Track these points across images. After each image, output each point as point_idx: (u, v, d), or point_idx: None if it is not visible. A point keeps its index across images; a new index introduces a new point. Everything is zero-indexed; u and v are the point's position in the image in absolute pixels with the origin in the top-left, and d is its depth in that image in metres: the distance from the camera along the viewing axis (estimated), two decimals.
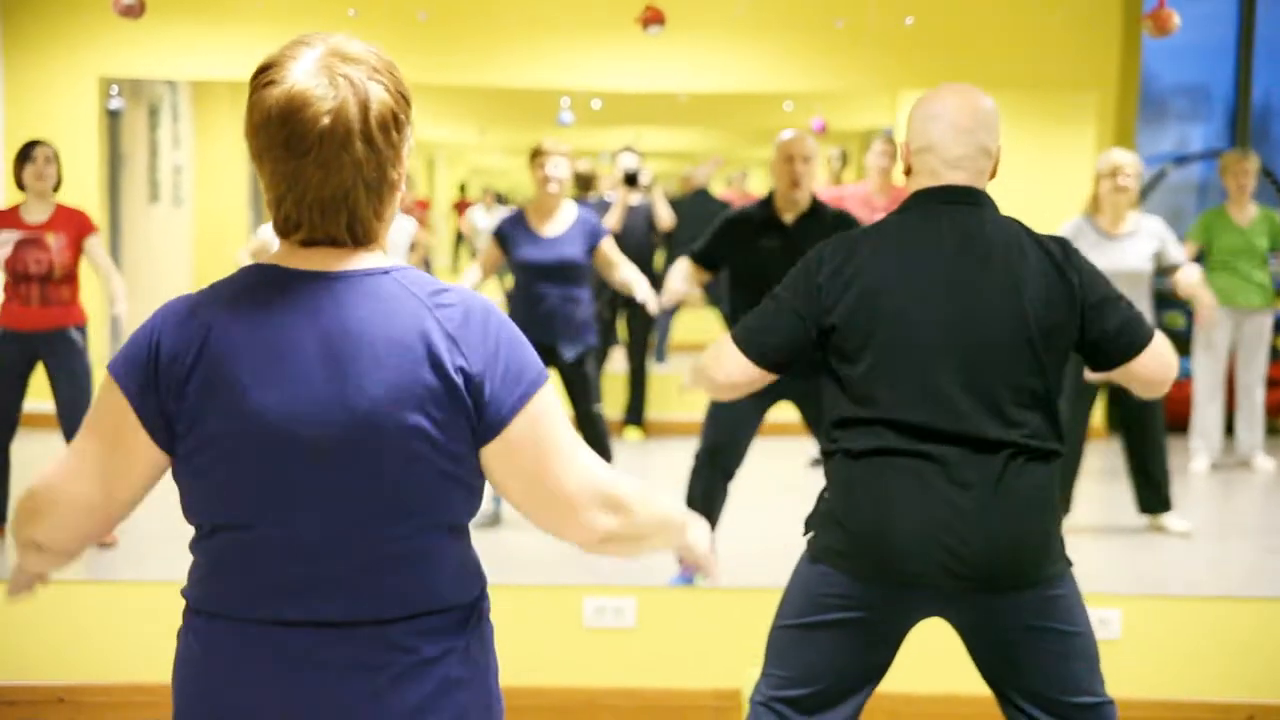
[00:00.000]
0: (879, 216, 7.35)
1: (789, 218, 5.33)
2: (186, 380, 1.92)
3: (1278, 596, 4.88)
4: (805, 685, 3.06)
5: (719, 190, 10.00)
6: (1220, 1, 9.54)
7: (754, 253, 5.29)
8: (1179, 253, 6.24)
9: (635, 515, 2.07)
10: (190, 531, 2.04)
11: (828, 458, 3.10)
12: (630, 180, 8.02)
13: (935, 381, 2.96)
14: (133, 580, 4.95)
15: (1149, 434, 6.35)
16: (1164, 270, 6.23)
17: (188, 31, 6.91)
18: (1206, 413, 7.79)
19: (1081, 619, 3.05)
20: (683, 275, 5.55)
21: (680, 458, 5.42)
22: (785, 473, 7.32)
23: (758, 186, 10.58)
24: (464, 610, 2.05)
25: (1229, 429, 8.12)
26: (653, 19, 4.74)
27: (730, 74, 7.46)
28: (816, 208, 5.36)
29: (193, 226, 10.47)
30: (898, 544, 2.95)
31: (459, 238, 11.64)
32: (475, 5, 7.03)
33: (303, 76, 1.92)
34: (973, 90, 3.09)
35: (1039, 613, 3.00)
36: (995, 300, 2.97)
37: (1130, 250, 6.21)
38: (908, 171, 3.13)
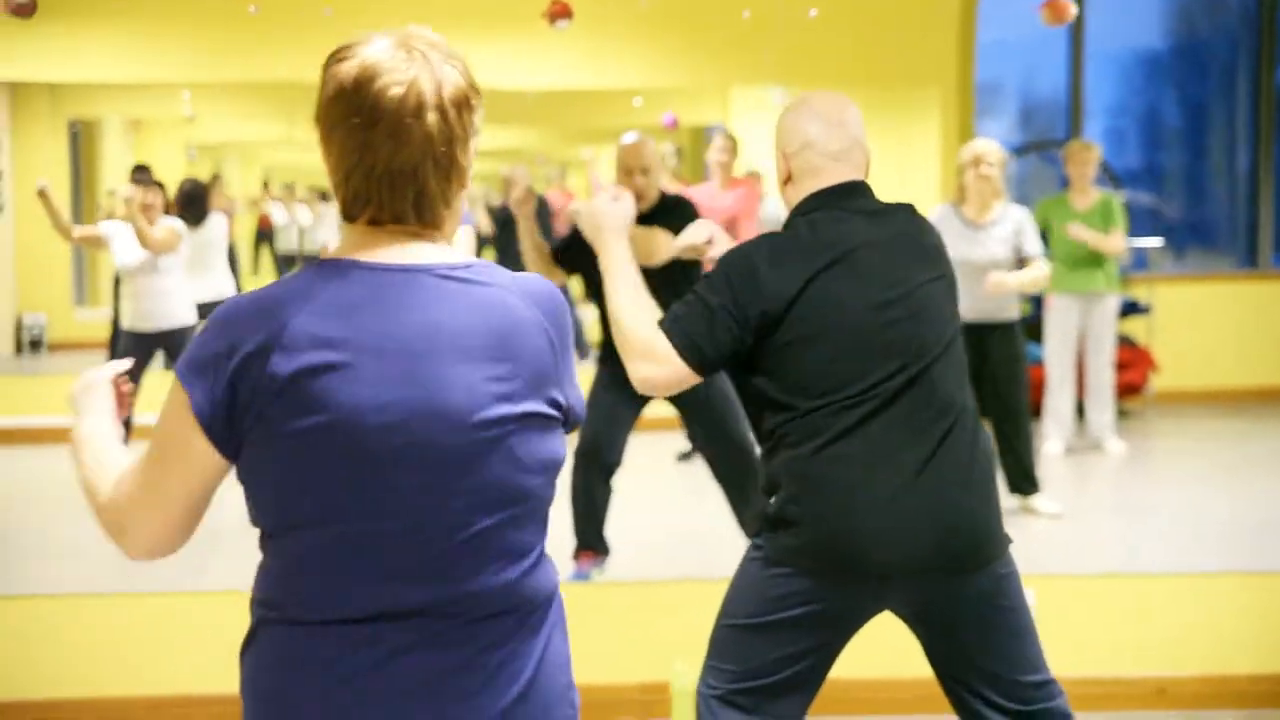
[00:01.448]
0: (719, 210, 7.43)
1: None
2: (268, 379, 1.82)
3: (1181, 572, 5.02)
4: (764, 676, 3.02)
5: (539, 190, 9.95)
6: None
7: None
8: (1034, 246, 6.36)
9: None
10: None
11: (770, 455, 3.05)
12: None
13: (877, 369, 2.96)
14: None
15: (1015, 418, 6.47)
16: (1017, 259, 6.34)
17: (4, 31, 6.63)
18: (1058, 396, 7.98)
19: (1023, 596, 3.08)
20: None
21: None
22: (656, 466, 7.32)
23: (577, 186, 10.56)
24: (547, 601, 1.99)
25: (1080, 412, 8.34)
26: (560, 13, 4.63)
27: (577, 71, 7.42)
28: (663, 204, 5.31)
29: (13, 234, 10.08)
30: (863, 538, 2.92)
31: (259, 237, 11.45)
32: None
33: (377, 51, 1.91)
34: (836, 94, 3.15)
35: (996, 591, 3.01)
36: (920, 281, 3.02)
37: (994, 238, 6.34)
38: (788, 180, 3.12)
